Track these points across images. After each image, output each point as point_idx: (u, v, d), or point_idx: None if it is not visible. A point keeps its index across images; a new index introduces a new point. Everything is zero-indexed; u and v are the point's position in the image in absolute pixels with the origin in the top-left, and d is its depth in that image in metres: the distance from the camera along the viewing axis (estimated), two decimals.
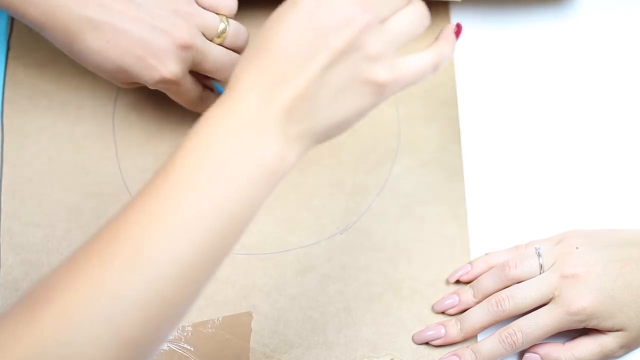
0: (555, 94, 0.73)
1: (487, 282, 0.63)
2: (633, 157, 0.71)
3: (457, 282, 0.65)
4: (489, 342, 0.61)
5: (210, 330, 0.62)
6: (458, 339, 0.62)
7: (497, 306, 0.61)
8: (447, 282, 0.65)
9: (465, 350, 0.61)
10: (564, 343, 0.61)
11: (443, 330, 0.62)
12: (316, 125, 0.48)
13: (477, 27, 0.75)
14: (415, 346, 0.63)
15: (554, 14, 0.75)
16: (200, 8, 0.61)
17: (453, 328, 0.62)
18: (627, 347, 0.61)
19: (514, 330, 0.60)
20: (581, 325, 0.60)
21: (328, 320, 0.63)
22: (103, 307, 0.43)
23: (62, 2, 0.57)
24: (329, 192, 0.68)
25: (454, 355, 0.61)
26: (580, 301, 0.59)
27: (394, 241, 0.66)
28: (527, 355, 0.62)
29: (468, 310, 0.63)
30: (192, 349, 0.61)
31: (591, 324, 0.60)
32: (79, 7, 0.58)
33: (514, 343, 0.60)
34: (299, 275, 0.65)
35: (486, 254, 0.65)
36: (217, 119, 0.47)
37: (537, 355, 0.61)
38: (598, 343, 0.60)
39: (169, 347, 0.61)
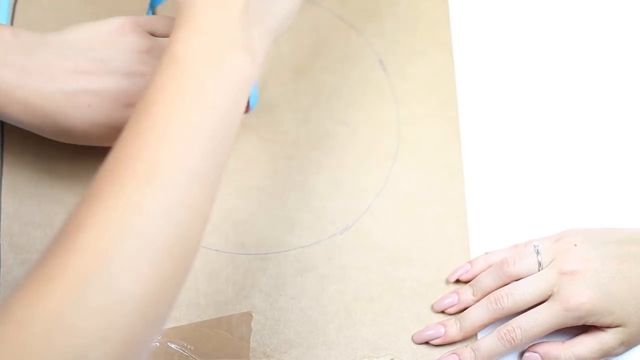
0: (556, 95, 0.73)
1: (486, 281, 0.63)
2: (633, 156, 0.71)
3: (457, 281, 0.65)
4: (488, 340, 0.61)
5: (210, 329, 0.62)
6: (458, 338, 0.62)
7: (496, 304, 0.61)
8: (447, 282, 0.65)
9: (464, 349, 0.61)
10: (563, 342, 0.61)
11: (442, 330, 0.62)
12: (271, 21, 0.52)
13: (478, 27, 0.75)
14: (415, 346, 0.63)
15: (556, 13, 0.75)
16: (158, 38, 0.61)
17: (452, 327, 0.62)
18: (627, 344, 0.61)
19: (512, 327, 0.60)
20: (580, 322, 0.60)
21: (328, 320, 0.63)
22: (134, 223, 0.44)
23: (31, 85, 0.57)
24: (328, 192, 0.68)
25: (453, 354, 0.61)
26: (578, 297, 0.59)
27: (394, 241, 0.66)
28: (526, 354, 0.62)
29: (467, 309, 0.63)
30: (192, 348, 0.61)
31: (590, 321, 0.60)
32: (48, 84, 0.57)
33: (513, 340, 0.60)
34: (298, 276, 0.65)
35: (486, 253, 0.65)
36: (185, 41, 0.49)
37: (537, 354, 0.61)
38: (597, 340, 0.60)
39: (169, 345, 0.61)
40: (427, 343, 0.63)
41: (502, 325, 0.61)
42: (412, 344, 0.63)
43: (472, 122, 0.71)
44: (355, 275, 0.65)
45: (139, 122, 0.47)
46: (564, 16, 0.76)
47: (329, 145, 0.69)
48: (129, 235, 0.43)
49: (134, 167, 0.45)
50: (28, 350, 0.40)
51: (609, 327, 0.60)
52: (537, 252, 0.62)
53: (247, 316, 0.63)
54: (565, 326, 0.60)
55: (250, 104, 0.69)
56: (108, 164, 0.46)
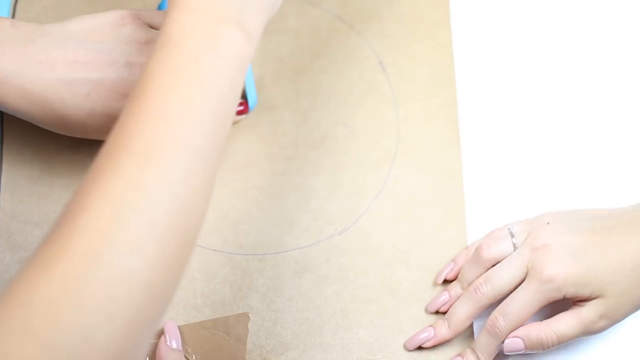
0: (556, 98, 0.73)
1: (468, 271, 0.63)
2: (634, 160, 0.71)
3: (447, 282, 0.65)
4: (480, 337, 0.61)
5: (207, 330, 0.62)
6: (448, 336, 0.62)
7: (476, 292, 0.61)
8: (435, 284, 0.65)
9: (466, 351, 0.61)
10: (542, 321, 0.61)
11: (432, 332, 0.62)
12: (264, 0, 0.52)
13: (479, 29, 0.75)
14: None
15: (557, 16, 0.75)
16: (157, 30, 0.61)
17: (441, 327, 0.62)
18: (608, 317, 0.60)
19: (495, 316, 0.60)
20: (560, 295, 0.59)
21: (325, 322, 0.63)
22: (135, 201, 0.44)
23: (30, 73, 0.57)
24: (327, 194, 0.68)
25: (458, 356, 0.61)
26: (551, 268, 0.59)
27: (392, 243, 0.66)
28: (507, 341, 0.61)
29: (452, 306, 0.63)
30: (189, 349, 0.61)
31: (569, 293, 0.59)
32: (47, 72, 0.58)
33: (499, 328, 0.60)
34: (296, 277, 0.65)
35: (466, 247, 0.66)
36: (178, 20, 0.49)
37: (519, 339, 0.60)
38: (577, 315, 0.59)
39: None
40: (420, 348, 0.63)
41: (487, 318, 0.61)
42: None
43: (472, 124, 0.71)
44: (352, 277, 0.65)
45: (137, 102, 0.47)
46: (564, 19, 0.76)
47: (328, 146, 0.69)
48: (130, 212, 0.43)
49: (133, 146, 0.45)
50: (33, 330, 0.41)
51: (588, 299, 0.59)
52: (512, 234, 0.62)
53: (244, 317, 0.63)
54: (547, 302, 0.60)
55: (250, 105, 0.69)
56: (108, 145, 0.46)
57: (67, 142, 0.66)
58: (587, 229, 0.61)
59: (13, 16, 0.71)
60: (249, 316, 0.63)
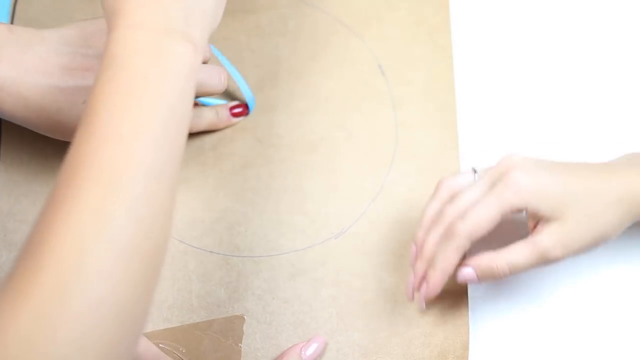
0: (555, 101, 0.73)
1: (430, 207, 0.61)
2: None
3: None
4: (440, 245, 0.59)
5: (202, 332, 0.62)
6: (438, 281, 0.59)
7: (443, 223, 0.59)
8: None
9: (430, 272, 0.60)
10: (495, 250, 0.59)
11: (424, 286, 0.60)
12: (204, 5, 0.51)
13: (479, 33, 0.75)
14: (406, 349, 0.63)
15: (557, 21, 0.75)
16: None
17: (431, 274, 0.60)
18: (565, 246, 0.58)
19: (454, 218, 0.58)
20: (521, 204, 0.57)
21: (320, 326, 0.63)
22: (97, 227, 0.43)
23: (27, 80, 0.57)
24: (324, 197, 0.68)
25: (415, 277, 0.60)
26: (516, 173, 0.57)
27: (389, 247, 0.66)
28: (460, 269, 0.59)
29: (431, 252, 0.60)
30: (183, 350, 0.61)
31: (531, 204, 0.57)
32: (44, 79, 0.57)
33: (457, 231, 0.57)
34: (292, 279, 0.65)
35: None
36: (120, 39, 0.48)
37: (469, 267, 0.59)
38: (531, 243, 0.58)
39: (161, 347, 0.61)
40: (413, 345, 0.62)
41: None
42: (403, 346, 0.63)
43: (471, 127, 0.71)
44: (348, 280, 0.65)
45: (90, 125, 0.46)
46: (565, 24, 0.75)
47: (326, 149, 0.69)
48: (94, 240, 0.43)
49: (90, 171, 0.44)
50: None
51: (548, 220, 0.58)
52: (474, 171, 0.62)
53: (240, 319, 0.63)
54: (509, 210, 0.57)
55: (249, 107, 0.69)
56: (65, 170, 0.45)
57: (63, 144, 0.65)
58: (549, 162, 0.60)
59: (12, 17, 0.71)
60: (244, 318, 0.63)
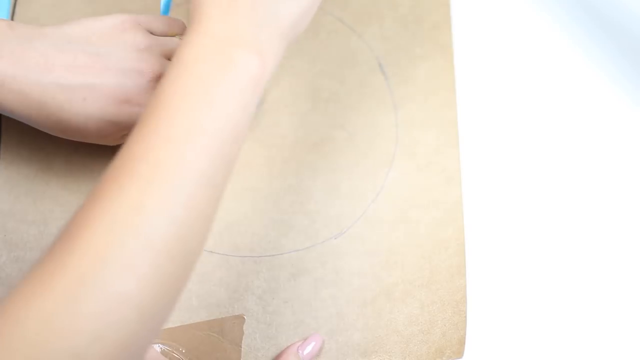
0: (557, 101, 0.73)
1: None
2: (631, 163, 0.71)
3: None
4: None
5: (201, 332, 0.62)
6: None
7: None
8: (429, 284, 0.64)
9: None
10: None
11: None
12: (284, 21, 0.51)
13: (480, 31, 0.75)
14: (405, 346, 0.62)
15: (559, 19, 0.75)
16: (156, 37, 0.61)
17: None
18: None
19: None
20: None
21: (320, 325, 0.63)
22: (134, 224, 0.43)
23: (27, 76, 0.57)
24: (324, 196, 0.67)
25: None
26: None
27: (389, 246, 0.66)
28: None
29: None
30: (183, 350, 0.61)
31: None
32: (45, 75, 0.57)
33: None
34: (292, 279, 0.64)
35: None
36: (190, 43, 0.49)
37: None
38: None
39: (160, 348, 0.61)
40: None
41: None
42: (402, 344, 0.62)
43: (472, 125, 0.71)
44: (348, 280, 0.65)
45: (145, 124, 0.47)
46: (565, 21, 0.75)
47: (326, 149, 0.69)
48: (129, 235, 0.43)
49: (137, 168, 0.45)
50: (20, 349, 0.41)
51: None
52: None
53: (239, 319, 0.63)
54: None
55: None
56: (113, 166, 0.46)
57: (64, 143, 0.66)
58: None
59: (12, 16, 0.71)
60: (244, 318, 0.63)
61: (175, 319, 0.62)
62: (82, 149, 0.66)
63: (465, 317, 0.63)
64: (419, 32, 0.74)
